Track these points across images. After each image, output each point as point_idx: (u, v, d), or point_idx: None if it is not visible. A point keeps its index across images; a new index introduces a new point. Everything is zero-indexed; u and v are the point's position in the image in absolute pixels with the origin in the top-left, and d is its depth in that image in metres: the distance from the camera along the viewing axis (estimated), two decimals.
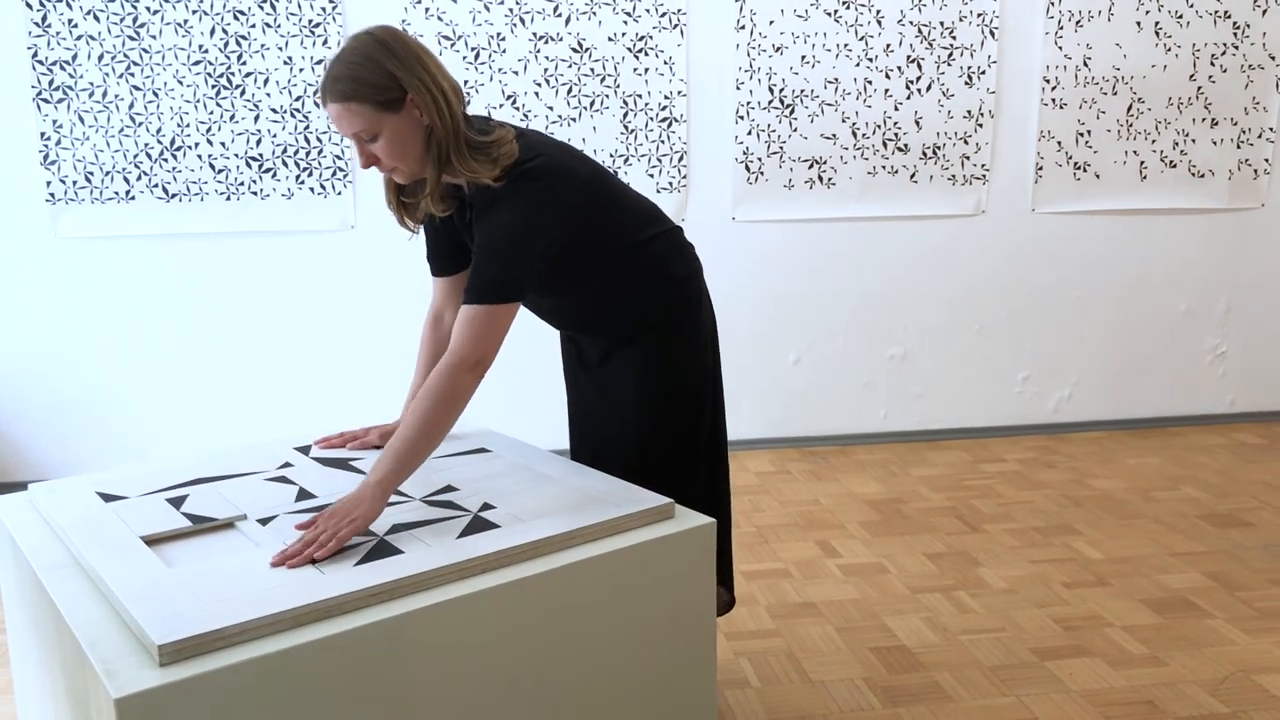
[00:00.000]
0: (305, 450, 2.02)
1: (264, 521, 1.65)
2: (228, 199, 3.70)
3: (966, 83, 3.97)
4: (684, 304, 2.02)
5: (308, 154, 3.70)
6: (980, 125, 4.01)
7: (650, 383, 1.97)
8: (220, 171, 3.67)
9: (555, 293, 1.94)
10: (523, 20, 3.72)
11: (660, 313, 1.98)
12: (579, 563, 1.53)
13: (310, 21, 3.62)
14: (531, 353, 3.58)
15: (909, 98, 3.95)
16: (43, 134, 3.57)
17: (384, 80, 1.68)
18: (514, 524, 1.60)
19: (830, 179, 3.98)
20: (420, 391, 1.69)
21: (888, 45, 3.90)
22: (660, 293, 1.99)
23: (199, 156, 3.65)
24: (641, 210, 2.00)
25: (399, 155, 1.74)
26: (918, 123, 3.97)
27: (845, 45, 3.88)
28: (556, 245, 1.81)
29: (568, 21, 3.74)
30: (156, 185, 3.66)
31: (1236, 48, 4.10)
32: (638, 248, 1.96)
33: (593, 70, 3.78)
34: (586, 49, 3.77)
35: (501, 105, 3.76)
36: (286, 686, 1.28)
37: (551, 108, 3.78)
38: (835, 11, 3.86)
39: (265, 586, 1.39)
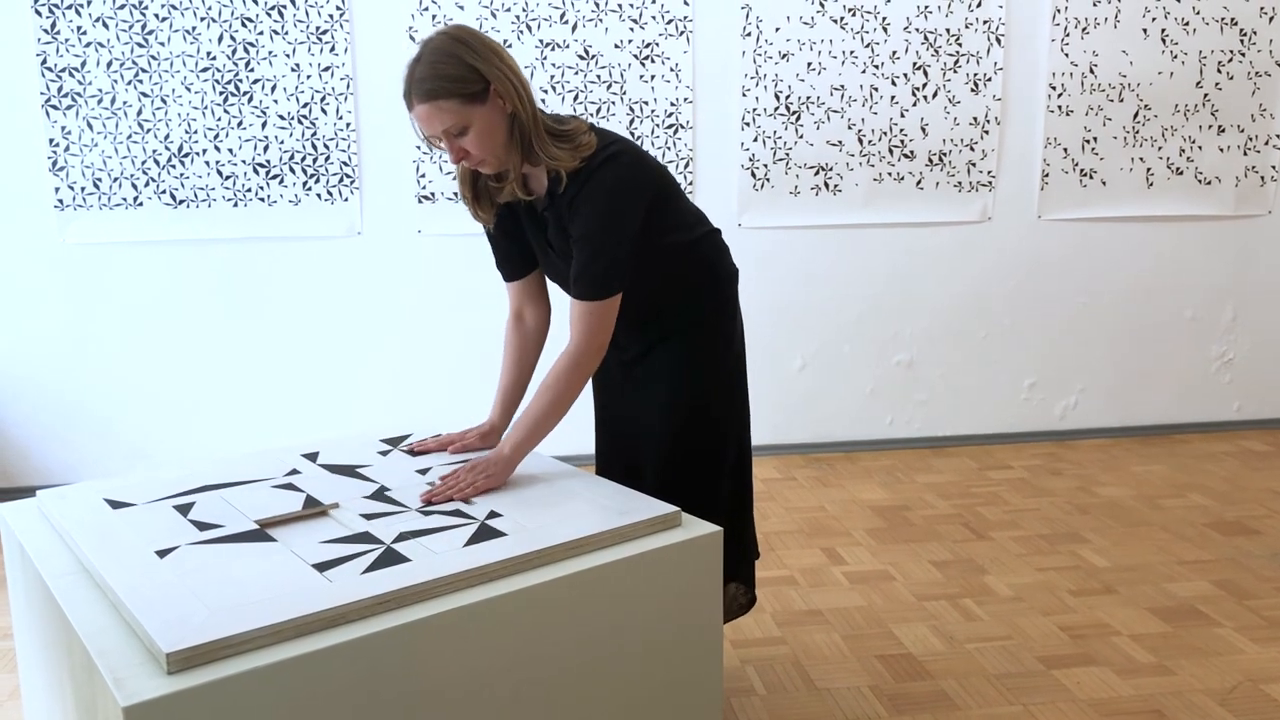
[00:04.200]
0: (312, 457, 2.03)
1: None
2: (235, 205, 3.71)
3: (973, 90, 3.97)
4: (725, 303, 2.08)
5: (315, 160, 3.71)
6: (986, 132, 4.01)
7: (683, 382, 2.02)
8: (228, 178, 3.68)
9: None
10: (529, 27, 3.73)
11: (703, 310, 2.04)
12: (585, 571, 1.53)
13: (317, 28, 3.64)
14: (538, 361, 3.58)
15: (915, 104, 3.95)
16: (51, 140, 3.59)
17: (467, 74, 1.75)
18: (520, 532, 1.61)
19: (836, 185, 3.98)
20: (549, 376, 1.88)
21: (894, 52, 3.91)
22: (706, 291, 2.04)
23: (207, 163, 3.66)
24: (692, 209, 2.07)
25: (488, 146, 1.81)
26: (924, 129, 3.97)
27: (851, 52, 3.89)
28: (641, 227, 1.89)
29: (574, 28, 3.75)
30: (164, 191, 3.67)
31: (1243, 54, 4.09)
32: (691, 245, 2.02)
33: (599, 77, 3.79)
34: (593, 56, 3.78)
35: None
36: (294, 694, 1.28)
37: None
38: (841, 19, 3.86)
39: (273, 595, 1.39)
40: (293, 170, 3.71)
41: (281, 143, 3.69)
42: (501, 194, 1.92)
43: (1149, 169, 4.13)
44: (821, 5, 3.84)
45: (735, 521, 2.11)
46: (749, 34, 3.84)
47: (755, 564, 2.24)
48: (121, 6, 3.54)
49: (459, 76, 1.74)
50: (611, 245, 1.84)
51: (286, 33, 3.63)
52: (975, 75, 3.96)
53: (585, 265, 1.84)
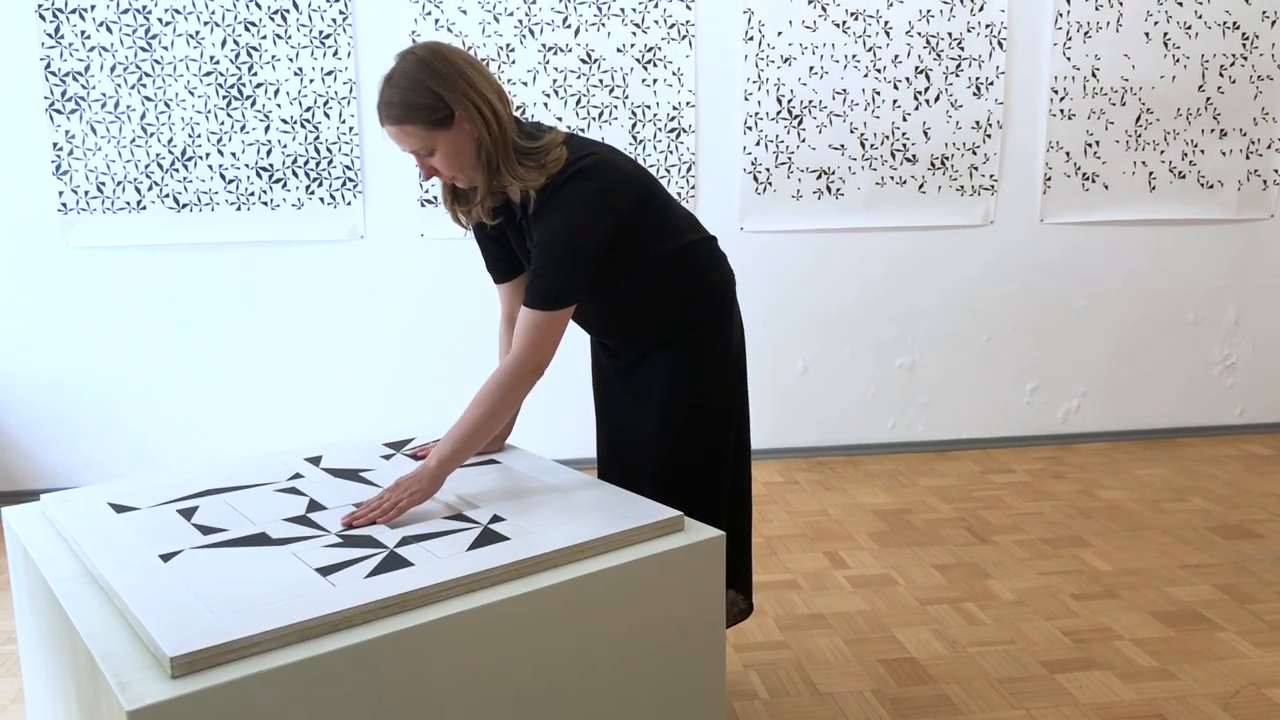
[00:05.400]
0: (316, 461, 2.03)
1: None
2: (238, 209, 3.71)
3: (975, 93, 3.97)
4: (718, 311, 2.07)
5: (318, 164, 3.72)
6: (988, 136, 4.01)
7: (681, 385, 2.01)
8: (231, 182, 3.69)
9: (595, 294, 1.97)
10: (532, 31, 3.74)
11: (696, 318, 2.03)
12: (588, 575, 1.54)
13: (320, 33, 3.64)
14: None
15: (917, 108, 3.95)
16: (55, 144, 3.59)
17: (431, 101, 1.76)
18: (524, 536, 1.61)
19: (838, 189, 3.98)
20: (483, 386, 1.82)
21: (896, 56, 3.91)
22: (697, 299, 2.04)
23: (210, 167, 3.67)
24: (682, 216, 2.05)
25: (456, 166, 1.82)
26: (926, 133, 3.98)
27: (853, 56, 3.89)
28: (608, 243, 1.87)
29: (576, 33, 3.75)
30: (167, 195, 3.67)
31: (1245, 58, 4.09)
32: (679, 252, 2.00)
33: (601, 81, 3.79)
34: (595, 60, 3.78)
35: None
36: (297, 698, 1.28)
37: (560, 118, 3.79)
38: (843, 23, 3.86)
39: (276, 599, 1.39)
40: (296, 174, 3.72)
41: (284, 147, 3.69)
42: (470, 214, 1.94)
43: (1151, 172, 4.13)
44: (824, 9, 3.85)
45: (734, 528, 2.11)
46: (751, 38, 3.84)
47: (754, 571, 2.24)
48: (125, 11, 3.55)
49: (423, 104, 1.75)
50: (567, 258, 1.82)
51: (289, 37, 3.63)
52: (977, 79, 3.97)
53: (539, 274, 1.82)
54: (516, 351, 1.82)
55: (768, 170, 3.93)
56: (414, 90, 1.75)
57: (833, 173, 3.96)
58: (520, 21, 3.73)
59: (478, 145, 1.80)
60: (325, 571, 1.49)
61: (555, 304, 1.81)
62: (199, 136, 3.65)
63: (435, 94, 1.75)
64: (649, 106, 3.83)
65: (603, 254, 1.86)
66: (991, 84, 3.98)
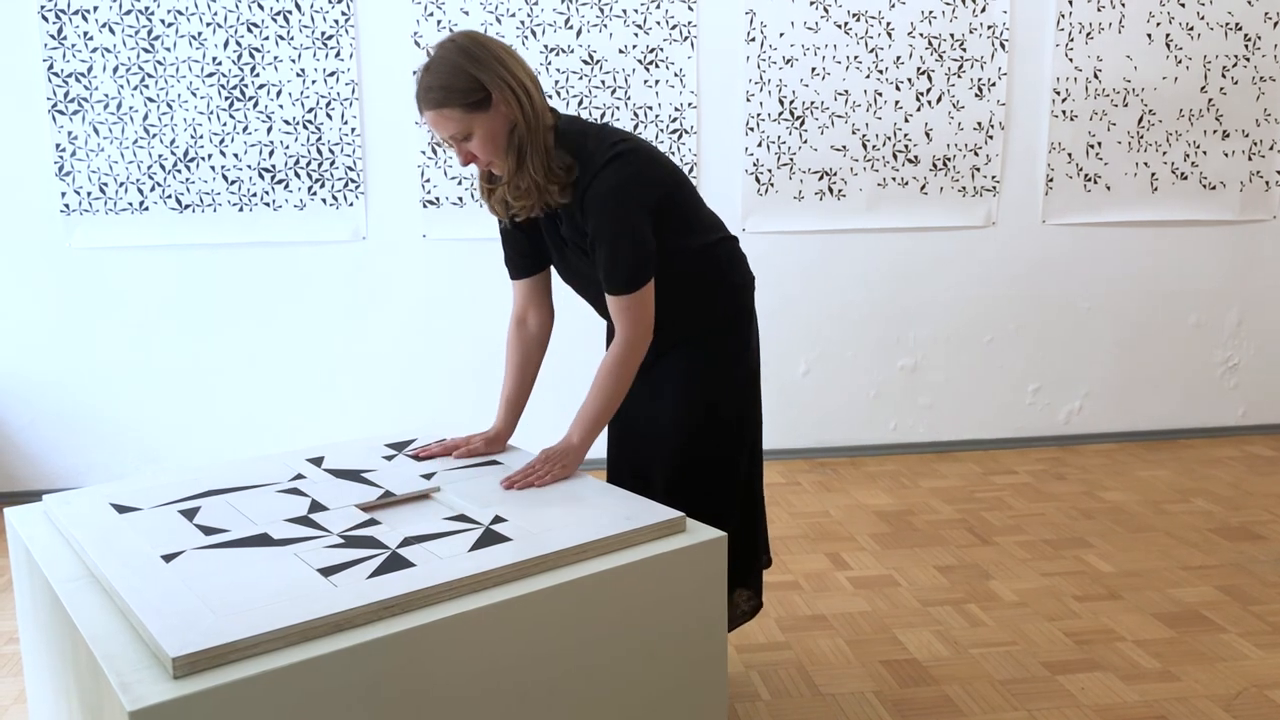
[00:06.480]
0: (317, 462, 2.03)
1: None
2: (240, 210, 3.72)
3: (977, 95, 3.97)
4: (738, 311, 2.09)
5: (320, 165, 3.72)
6: (990, 137, 4.01)
7: (699, 384, 2.03)
8: (233, 183, 3.69)
9: None
10: (534, 33, 3.74)
11: (716, 317, 2.05)
12: (590, 576, 1.54)
13: (323, 34, 3.65)
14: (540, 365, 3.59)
15: (919, 109, 3.95)
16: (57, 145, 3.60)
17: (469, 84, 1.81)
18: (525, 537, 1.61)
19: (840, 190, 3.98)
20: (604, 368, 1.93)
21: (898, 57, 3.91)
22: (718, 297, 2.06)
23: (212, 168, 3.67)
24: (709, 214, 2.08)
25: (492, 150, 1.87)
26: (928, 134, 3.97)
27: (855, 57, 3.89)
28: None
29: (579, 34, 3.76)
30: (170, 196, 3.68)
31: (1248, 59, 4.09)
32: (704, 249, 2.03)
33: (603, 82, 3.80)
34: (597, 61, 3.78)
35: None
36: (299, 699, 1.28)
37: None
38: (845, 24, 3.86)
39: (278, 599, 1.39)
40: (298, 175, 3.72)
41: (287, 148, 3.70)
42: (494, 196, 1.96)
43: (1153, 174, 4.13)
44: (825, 10, 3.85)
45: (745, 527, 2.11)
46: (753, 39, 3.84)
47: (763, 571, 2.25)
48: (128, 12, 3.55)
49: (461, 87, 1.80)
50: (628, 239, 1.87)
51: (292, 38, 3.64)
52: (979, 80, 3.97)
53: (610, 263, 1.88)
54: (623, 331, 1.91)
55: (769, 171, 3.93)
56: (452, 74, 1.80)
57: (834, 174, 3.96)
58: (522, 23, 3.73)
59: (512, 128, 1.84)
60: (327, 572, 1.49)
61: (635, 286, 1.89)
62: (201, 137, 3.65)
63: (473, 77, 1.80)
64: (651, 108, 3.83)
65: (654, 227, 1.90)
66: (993, 85, 3.98)
